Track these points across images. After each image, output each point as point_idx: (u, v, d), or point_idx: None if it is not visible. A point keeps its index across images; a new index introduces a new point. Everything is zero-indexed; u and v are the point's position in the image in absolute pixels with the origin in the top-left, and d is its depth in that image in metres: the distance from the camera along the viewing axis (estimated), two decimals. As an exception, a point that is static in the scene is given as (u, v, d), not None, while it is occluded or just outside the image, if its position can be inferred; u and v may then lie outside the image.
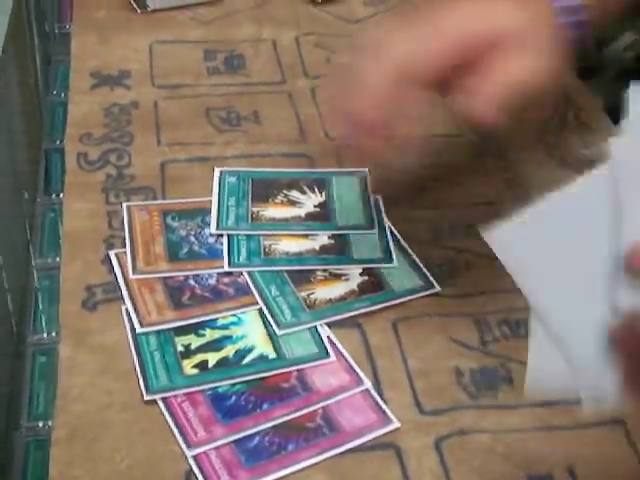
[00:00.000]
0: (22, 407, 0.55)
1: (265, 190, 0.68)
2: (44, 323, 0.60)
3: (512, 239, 0.46)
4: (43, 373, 0.57)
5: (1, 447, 0.57)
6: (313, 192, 0.68)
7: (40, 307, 0.61)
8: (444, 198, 0.69)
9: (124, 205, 0.65)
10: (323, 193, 0.68)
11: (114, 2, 0.87)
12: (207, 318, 0.58)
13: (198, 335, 0.57)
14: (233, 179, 0.68)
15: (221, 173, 0.69)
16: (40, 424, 0.54)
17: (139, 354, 0.55)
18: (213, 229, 0.64)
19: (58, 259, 0.63)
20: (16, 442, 0.53)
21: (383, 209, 0.67)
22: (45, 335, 0.59)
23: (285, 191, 0.68)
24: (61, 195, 0.68)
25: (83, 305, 0.59)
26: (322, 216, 0.66)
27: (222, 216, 0.65)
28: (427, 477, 0.50)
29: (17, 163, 0.83)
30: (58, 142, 0.74)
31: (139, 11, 0.85)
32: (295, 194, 0.68)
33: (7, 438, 0.55)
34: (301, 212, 0.66)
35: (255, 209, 0.66)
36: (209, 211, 0.65)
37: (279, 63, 0.81)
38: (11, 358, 0.62)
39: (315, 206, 0.67)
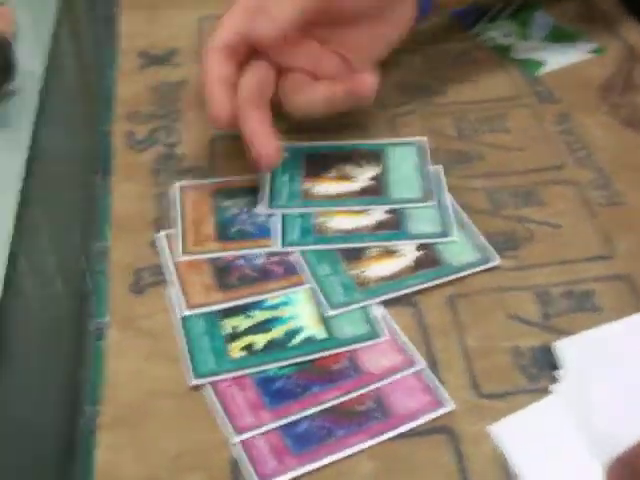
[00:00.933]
0: (85, 393, 0.54)
1: (318, 165, 0.65)
2: (102, 307, 0.59)
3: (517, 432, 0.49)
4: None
5: (67, 433, 0.57)
6: (368, 164, 0.65)
7: (98, 291, 0.60)
8: (503, 164, 0.65)
9: (176, 185, 0.64)
10: (378, 165, 0.65)
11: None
12: (255, 299, 0.56)
13: (246, 317, 0.55)
14: (285, 155, 0.66)
15: (273, 149, 0.67)
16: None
17: (186, 338, 0.54)
18: (265, 208, 0.62)
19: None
20: (81, 429, 0.53)
21: (443, 179, 0.64)
22: (106, 319, 0.59)
23: (339, 165, 0.65)
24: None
25: (130, 289, 0.58)
26: (377, 190, 0.63)
27: (274, 194, 0.63)
28: (484, 463, 0.47)
29: (78, 147, 0.83)
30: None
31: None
32: (349, 168, 0.65)
33: (73, 424, 0.54)
34: (355, 187, 0.64)
35: (307, 185, 0.64)
36: (260, 189, 0.64)
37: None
38: (76, 342, 0.62)
39: (370, 179, 0.64)
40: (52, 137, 0.72)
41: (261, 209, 0.62)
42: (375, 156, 0.66)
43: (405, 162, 0.66)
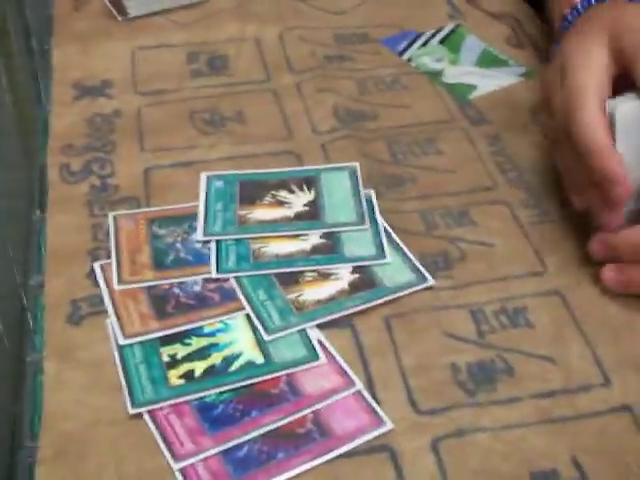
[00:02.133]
0: (25, 427, 0.54)
1: (252, 192, 0.66)
2: (40, 341, 0.59)
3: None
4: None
5: (7, 469, 0.56)
6: (302, 190, 0.66)
7: (36, 325, 0.59)
8: (435, 186, 0.66)
9: (110, 215, 0.64)
10: (312, 191, 0.66)
11: (94, 12, 0.85)
12: (192, 326, 0.56)
13: (184, 344, 0.55)
14: (220, 183, 0.67)
15: (207, 178, 0.67)
16: (41, 444, 0.53)
17: (124, 367, 0.54)
18: (200, 236, 0.62)
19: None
20: (19, 463, 0.52)
21: (375, 202, 0.65)
22: (44, 352, 0.58)
23: (273, 192, 0.66)
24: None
25: (68, 320, 0.57)
26: (311, 215, 0.64)
27: (209, 222, 0.63)
28: (424, 479, 0.48)
29: (16, 182, 0.82)
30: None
31: (119, 18, 0.84)
32: (283, 194, 0.66)
33: (12, 459, 0.54)
34: (290, 212, 0.64)
35: (242, 212, 0.64)
36: (196, 216, 0.64)
37: (263, 61, 0.79)
38: (14, 378, 0.62)
39: (304, 205, 0.65)
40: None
41: (197, 237, 0.62)
42: (309, 182, 0.67)
43: (338, 187, 0.66)
